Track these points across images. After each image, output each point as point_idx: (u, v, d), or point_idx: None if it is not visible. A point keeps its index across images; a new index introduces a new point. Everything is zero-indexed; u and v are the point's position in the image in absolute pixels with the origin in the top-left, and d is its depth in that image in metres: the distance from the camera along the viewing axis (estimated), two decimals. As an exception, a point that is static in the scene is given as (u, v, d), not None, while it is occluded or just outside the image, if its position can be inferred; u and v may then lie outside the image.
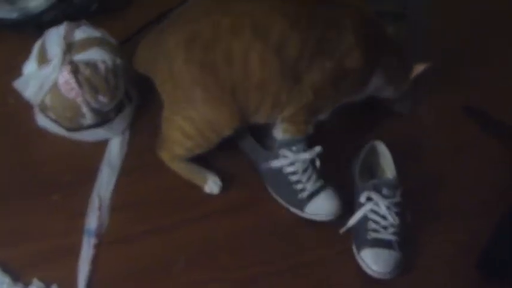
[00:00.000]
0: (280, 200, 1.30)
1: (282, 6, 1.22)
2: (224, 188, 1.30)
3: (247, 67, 1.20)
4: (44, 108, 1.30)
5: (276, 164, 1.27)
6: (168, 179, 1.31)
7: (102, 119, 1.31)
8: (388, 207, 1.23)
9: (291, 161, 1.26)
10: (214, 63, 1.20)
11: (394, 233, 1.23)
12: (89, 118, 1.29)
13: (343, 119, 1.39)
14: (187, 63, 1.21)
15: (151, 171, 1.32)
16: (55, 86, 1.25)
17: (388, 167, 1.31)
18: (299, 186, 1.26)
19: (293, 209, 1.28)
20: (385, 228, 1.23)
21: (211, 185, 1.29)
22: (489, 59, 1.60)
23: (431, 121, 1.49)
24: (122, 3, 1.55)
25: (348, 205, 1.27)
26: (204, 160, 1.32)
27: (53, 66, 1.24)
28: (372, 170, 1.33)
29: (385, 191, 1.24)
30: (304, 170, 1.26)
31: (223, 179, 1.31)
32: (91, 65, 1.26)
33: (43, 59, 1.27)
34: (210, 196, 1.30)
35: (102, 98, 1.27)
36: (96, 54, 1.27)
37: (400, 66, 1.36)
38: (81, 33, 1.29)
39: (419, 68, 1.36)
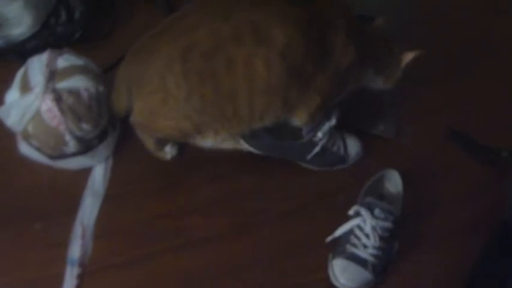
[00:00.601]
0: (326, 169, 1.41)
1: (281, 11, 1.21)
2: (208, 215, 1.30)
3: (250, 73, 1.18)
4: (26, 136, 1.29)
5: (318, 148, 1.36)
6: (153, 207, 1.31)
7: (86, 146, 1.30)
8: (373, 228, 1.23)
9: (327, 137, 1.37)
10: (214, 72, 1.18)
11: (372, 255, 1.23)
12: (72, 146, 1.28)
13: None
14: (185, 74, 1.18)
15: (136, 199, 1.31)
16: (38, 114, 1.24)
17: (396, 197, 1.33)
18: (335, 148, 1.39)
19: (339, 166, 1.41)
20: (364, 246, 1.23)
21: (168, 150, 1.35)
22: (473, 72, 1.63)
23: (416, 144, 1.49)
24: (105, 31, 1.55)
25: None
26: (188, 188, 1.31)
27: (36, 94, 1.24)
28: (383, 194, 1.35)
29: (377, 212, 1.24)
30: (331, 134, 1.38)
31: (208, 205, 1.30)
32: (74, 92, 1.25)
33: (26, 87, 1.26)
34: (194, 224, 1.29)
35: (86, 126, 1.26)
36: (79, 82, 1.27)
37: (389, 56, 1.36)
38: (64, 61, 1.29)
39: (408, 56, 1.36)
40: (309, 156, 1.37)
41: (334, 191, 1.38)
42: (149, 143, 1.33)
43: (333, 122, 1.35)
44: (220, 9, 1.22)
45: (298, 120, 1.30)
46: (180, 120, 1.24)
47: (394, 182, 1.35)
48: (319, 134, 1.35)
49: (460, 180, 1.43)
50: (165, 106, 1.22)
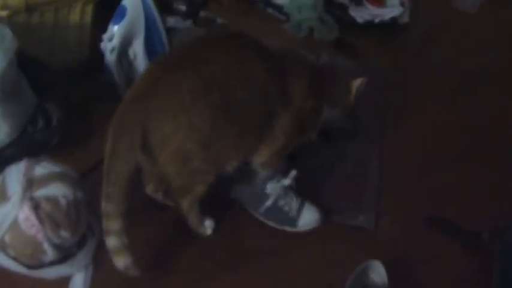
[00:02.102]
0: (275, 225, 1.45)
1: (260, 58, 1.32)
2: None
3: (246, 109, 1.30)
4: (3, 247, 1.27)
5: (270, 202, 1.43)
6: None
7: (64, 254, 1.28)
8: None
9: (282, 195, 1.43)
10: (228, 107, 1.27)
11: None
12: (50, 254, 1.26)
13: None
14: (208, 107, 1.25)
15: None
16: (15, 223, 1.23)
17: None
18: (287, 208, 1.43)
19: (288, 228, 1.44)
20: None
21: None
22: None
23: (397, 232, 1.49)
24: (83, 135, 1.56)
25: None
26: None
27: (13, 204, 1.23)
28: (368, 285, 1.34)
29: None
30: (286, 193, 1.43)
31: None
32: (52, 200, 1.25)
33: (3, 197, 1.25)
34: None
35: (64, 233, 1.25)
36: (56, 189, 1.26)
37: (339, 88, 1.47)
38: (42, 168, 1.29)
39: (356, 83, 1.46)
40: (262, 209, 1.43)
41: (318, 284, 1.36)
42: (194, 216, 1.38)
43: (287, 180, 1.42)
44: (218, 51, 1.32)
45: (260, 157, 1.39)
46: (207, 150, 1.28)
47: (378, 273, 1.34)
48: (270, 187, 1.40)
49: (443, 266, 1.43)
50: (191, 141, 1.26)
